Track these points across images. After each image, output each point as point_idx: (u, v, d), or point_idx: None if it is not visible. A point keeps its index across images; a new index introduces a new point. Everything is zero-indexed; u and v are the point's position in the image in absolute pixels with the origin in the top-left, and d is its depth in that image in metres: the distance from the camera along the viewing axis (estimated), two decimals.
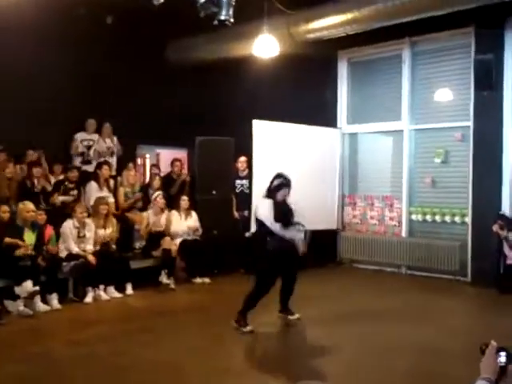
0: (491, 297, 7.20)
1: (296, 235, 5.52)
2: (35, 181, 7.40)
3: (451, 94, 8.59)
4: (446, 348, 5.05)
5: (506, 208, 7.76)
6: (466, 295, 7.73)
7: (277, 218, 5.42)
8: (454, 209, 8.49)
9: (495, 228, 7.42)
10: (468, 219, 8.25)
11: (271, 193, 5.60)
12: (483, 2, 6.70)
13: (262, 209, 5.60)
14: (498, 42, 7.74)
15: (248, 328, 5.50)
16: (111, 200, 7.84)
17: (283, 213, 5.51)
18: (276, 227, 5.43)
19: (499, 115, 7.83)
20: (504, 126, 7.82)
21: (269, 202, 5.53)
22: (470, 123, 8.16)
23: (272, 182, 5.65)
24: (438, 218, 8.66)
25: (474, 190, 8.10)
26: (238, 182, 8.84)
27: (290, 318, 5.97)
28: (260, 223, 5.61)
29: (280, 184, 5.58)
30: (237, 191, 8.82)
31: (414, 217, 8.96)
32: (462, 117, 8.33)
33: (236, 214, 8.74)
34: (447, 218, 8.55)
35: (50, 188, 7.56)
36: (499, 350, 2.07)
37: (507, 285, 7.29)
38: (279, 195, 5.56)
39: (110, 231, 7.31)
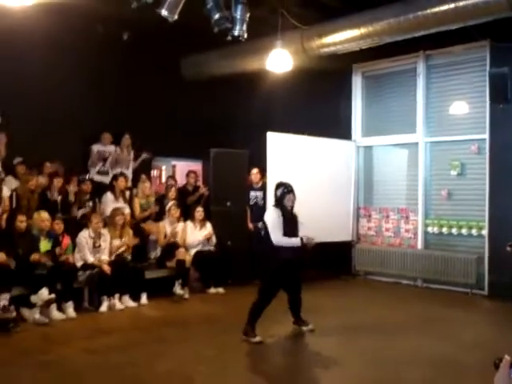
0: (508, 310, 7.12)
1: (294, 242, 5.60)
2: (55, 192, 7.55)
3: (466, 107, 8.57)
4: (460, 361, 5.02)
5: None
6: (483, 308, 7.66)
7: (283, 228, 5.57)
8: (470, 221, 8.43)
9: (509, 250, 7.34)
10: (485, 232, 8.18)
11: (280, 203, 5.74)
12: (497, 16, 6.69)
13: (269, 216, 5.74)
14: None
15: (257, 338, 5.55)
16: (127, 211, 7.96)
17: (289, 223, 5.64)
18: (279, 239, 5.54)
19: None
20: None
21: (276, 212, 5.66)
22: (486, 136, 8.14)
23: (275, 193, 5.82)
24: (454, 230, 8.61)
25: (491, 202, 8.05)
26: (252, 193, 8.92)
27: (304, 328, 6.00)
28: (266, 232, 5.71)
29: (283, 193, 5.74)
30: (251, 203, 8.89)
31: (429, 229, 8.91)
32: (478, 129, 8.31)
33: (250, 226, 8.80)
34: (464, 231, 8.50)
35: (71, 198, 7.70)
36: None
37: None
38: (286, 202, 5.71)
39: (126, 241, 7.40)
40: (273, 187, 8.29)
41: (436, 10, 6.83)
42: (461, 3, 6.58)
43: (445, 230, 8.72)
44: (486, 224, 8.14)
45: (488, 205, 8.10)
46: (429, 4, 6.89)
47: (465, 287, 8.28)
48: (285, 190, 5.75)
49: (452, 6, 6.66)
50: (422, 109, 8.96)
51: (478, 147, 8.35)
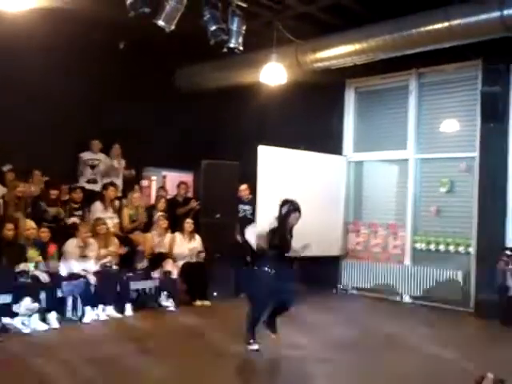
0: (493, 328, 7.14)
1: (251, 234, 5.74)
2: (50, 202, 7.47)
3: (457, 125, 8.63)
4: (445, 379, 5.00)
5: (510, 238, 7.74)
6: (468, 326, 7.65)
7: (271, 243, 5.56)
8: (458, 238, 8.46)
9: (501, 265, 7.38)
10: (472, 249, 8.21)
11: (283, 221, 5.61)
12: (491, 36, 6.77)
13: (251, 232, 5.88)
14: (505, 75, 7.80)
15: (254, 346, 5.54)
16: (116, 221, 7.88)
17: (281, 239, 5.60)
18: (248, 234, 5.69)
19: (505, 147, 7.87)
20: (509, 158, 7.85)
21: (271, 223, 5.64)
22: (476, 154, 8.19)
23: (280, 210, 5.65)
24: (442, 247, 8.62)
25: (479, 220, 8.08)
26: (241, 206, 8.89)
27: (271, 335, 5.87)
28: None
29: (288, 211, 5.61)
30: (240, 215, 8.85)
31: (417, 245, 8.92)
32: (468, 148, 8.36)
33: (239, 238, 8.75)
34: (451, 248, 8.51)
35: (61, 208, 7.62)
36: (496, 382, 2.06)
37: (510, 317, 7.23)
38: (292, 220, 5.60)
39: (111, 251, 7.32)
40: (262, 200, 8.38)
41: (430, 28, 6.91)
42: (454, 22, 6.66)
43: (432, 246, 8.74)
44: (474, 242, 8.17)
45: (476, 223, 8.13)
46: (423, 22, 6.97)
47: (451, 304, 8.28)
48: (291, 207, 5.62)
49: (446, 24, 6.74)
50: (413, 126, 9.00)
51: (467, 165, 8.40)
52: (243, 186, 8.92)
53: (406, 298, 8.88)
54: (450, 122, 8.68)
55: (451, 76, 8.66)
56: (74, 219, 7.61)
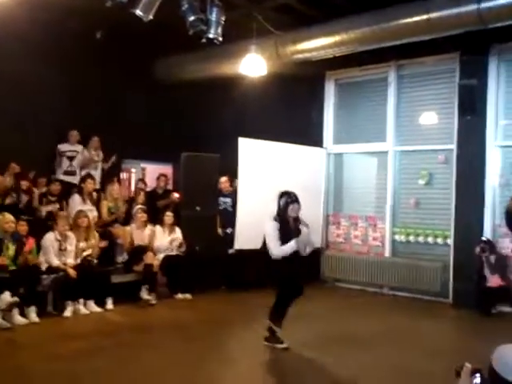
0: (471, 319, 7.25)
1: (294, 245, 5.38)
2: (21, 193, 7.36)
3: (436, 118, 8.71)
4: (424, 370, 5.04)
5: (487, 230, 7.84)
6: (447, 317, 7.75)
7: (282, 240, 5.38)
8: (436, 230, 8.56)
9: (477, 251, 7.51)
10: (450, 241, 8.31)
11: (282, 213, 5.51)
12: (468, 28, 6.83)
13: (266, 230, 5.49)
14: (482, 67, 7.89)
15: (283, 345, 5.46)
16: (94, 214, 7.80)
17: (288, 234, 5.42)
18: (277, 251, 5.36)
19: (482, 139, 7.95)
20: (487, 150, 7.94)
21: (274, 226, 5.44)
22: (454, 146, 8.27)
23: (279, 203, 5.56)
24: (420, 238, 8.72)
25: (457, 212, 8.18)
26: (221, 199, 8.87)
27: (278, 346, 5.62)
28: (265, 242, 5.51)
29: (286, 202, 5.51)
30: (220, 208, 8.83)
31: (397, 237, 9.01)
32: (446, 140, 8.45)
33: (220, 231, 8.74)
34: (430, 239, 8.61)
35: (35, 202, 7.51)
36: (474, 371, 2.09)
37: (487, 307, 7.36)
38: (290, 212, 5.49)
39: (91, 244, 7.25)
40: (243, 192, 8.38)
41: (409, 20, 6.94)
42: (433, 15, 6.70)
43: (411, 238, 8.83)
44: (452, 233, 8.27)
45: (454, 214, 8.23)
46: (402, 14, 7.00)
47: (430, 295, 8.39)
48: (289, 199, 5.51)
49: (425, 17, 6.77)
50: (392, 118, 9.06)
51: (446, 157, 8.49)
52: (223, 179, 8.90)
53: (386, 290, 8.96)
54: (429, 115, 8.77)
55: (430, 68, 8.73)
56: (48, 207, 7.48)
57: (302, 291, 5.60)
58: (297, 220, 5.55)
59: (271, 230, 5.42)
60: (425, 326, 6.94)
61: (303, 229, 5.51)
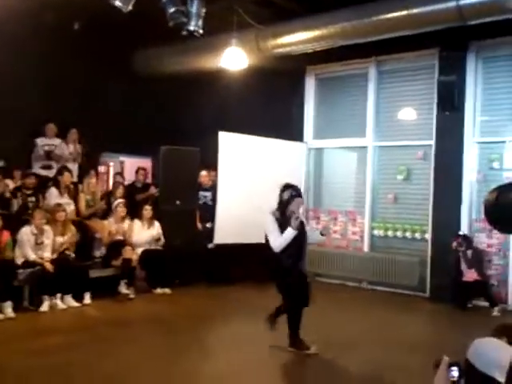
0: (448, 313, 7.34)
1: (289, 234, 5.14)
2: None
3: (415, 113, 8.78)
4: (402, 364, 5.09)
5: (464, 226, 7.93)
6: (424, 311, 7.84)
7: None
8: (414, 225, 8.63)
9: (454, 245, 7.60)
10: (428, 236, 8.39)
11: (284, 207, 5.27)
12: (447, 25, 6.88)
13: (266, 225, 5.27)
14: (461, 64, 7.96)
15: (312, 350, 5.23)
16: (72, 207, 7.70)
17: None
18: (277, 242, 5.15)
19: (460, 135, 8.03)
20: (465, 146, 8.02)
21: (271, 216, 5.25)
22: (432, 142, 8.34)
23: (281, 196, 5.32)
24: (399, 233, 8.79)
25: (435, 207, 8.26)
26: (201, 193, 8.82)
27: (272, 329, 5.58)
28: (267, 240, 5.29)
29: (290, 196, 5.26)
30: (200, 203, 8.78)
31: (376, 232, 9.07)
32: (425, 135, 8.51)
33: (199, 226, 8.70)
34: (408, 234, 8.69)
35: (7, 194, 7.39)
36: (451, 364, 2.11)
37: (463, 301, 7.46)
38: (293, 207, 5.24)
39: (68, 238, 7.15)
40: (223, 187, 8.34)
41: (389, 15, 6.97)
42: (414, 10, 6.75)
43: (390, 233, 8.90)
44: (430, 228, 8.35)
45: (431, 209, 8.31)
46: (382, 10, 7.03)
47: (408, 289, 8.47)
48: (293, 192, 5.27)
49: (405, 12, 6.81)
50: (371, 113, 9.10)
51: (424, 153, 8.56)
52: (204, 173, 8.86)
53: (365, 284, 9.02)
54: (408, 110, 8.83)
55: (409, 64, 8.79)
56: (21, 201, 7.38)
57: (308, 302, 5.35)
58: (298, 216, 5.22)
59: (270, 223, 5.22)
60: (402, 320, 7.01)
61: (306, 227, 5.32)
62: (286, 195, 5.28)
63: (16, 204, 7.37)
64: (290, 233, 5.13)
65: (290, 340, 5.30)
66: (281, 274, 5.30)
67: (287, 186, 5.36)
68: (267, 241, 5.27)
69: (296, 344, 5.28)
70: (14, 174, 7.78)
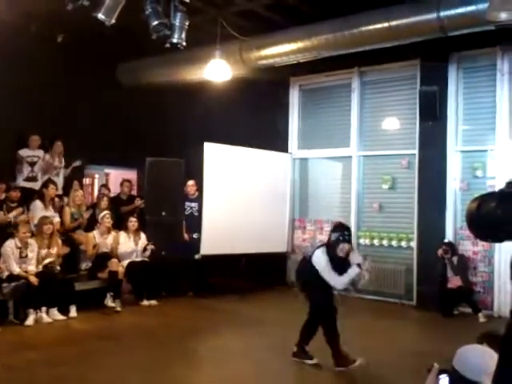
0: (434, 320, 7.38)
1: (353, 273, 5.09)
2: None
3: (398, 123, 8.87)
4: (389, 372, 5.11)
5: (449, 233, 8.01)
6: (411, 319, 7.87)
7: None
8: (400, 233, 8.69)
9: (440, 252, 7.67)
10: (413, 244, 8.45)
11: (330, 247, 5.16)
12: (428, 36, 6.98)
13: (318, 263, 5.16)
14: (442, 74, 8.09)
15: (357, 362, 5.04)
16: (57, 220, 7.65)
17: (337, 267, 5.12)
18: (339, 283, 5.11)
19: (443, 144, 8.13)
20: (448, 155, 8.12)
21: (325, 258, 5.12)
22: (416, 151, 8.43)
23: (330, 235, 5.25)
24: (385, 242, 8.84)
25: (420, 215, 8.33)
26: (187, 204, 8.81)
27: (308, 362, 5.31)
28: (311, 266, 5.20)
29: (337, 239, 5.12)
30: (186, 213, 8.77)
31: (361, 241, 9.11)
32: (408, 145, 8.61)
33: (186, 236, 8.68)
34: (394, 243, 8.74)
35: None
36: (441, 372, 2.13)
37: (449, 308, 7.51)
38: (339, 251, 5.10)
39: (54, 252, 7.10)
40: (208, 198, 8.34)
41: (371, 27, 7.07)
42: (394, 23, 6.84)
43: (376, 241, 8.95)
44: (415, 236, 8.41)
45: (416, 218, 8.38)
46: (364, 22, 7.12)
47: (395, 298, 8.50)
48: (340, 237, 5.10)
49: (386, 24, 6.91)
50: (355, 123, 9.18)
51: (408, 162, 8.65)
52: (190, 182, 8.83)
53: (352, 293, 9.03)
54: (392, 120, 8.92)
55: (392, 75, 8.90)
56: (13, 214, 7.32)
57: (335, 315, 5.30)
58: (345, 259, 5.14)
59: (323, 263, 5.10)
60: (389, 328, 7.03)
61: (353, 267, 5.11)
62: (334, 237, 5.16)
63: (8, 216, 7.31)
64: (355, 272, 5.06)
65: (335, 359, 5.12)
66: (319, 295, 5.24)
67: (338, 227, 5.27)
68: (303, 265, 5.36)
69: (341, 361, 5.09)
70: None
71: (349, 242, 5.16)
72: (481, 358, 2.15)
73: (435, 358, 2.49)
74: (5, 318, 6.48)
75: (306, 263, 5.33)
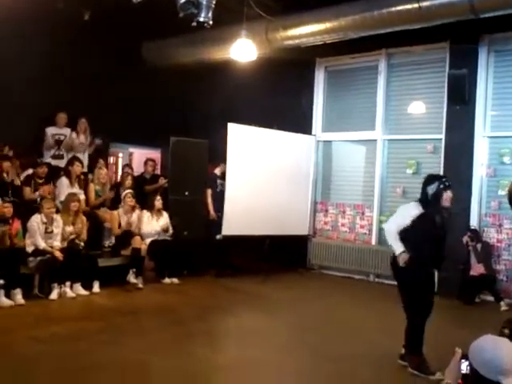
0: (455, 307, 7.30)
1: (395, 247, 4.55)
2: (5, 175, 7.30)
3: (424, 107, 8.73)
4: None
5: (474, 220, 7.90)
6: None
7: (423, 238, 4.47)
8: None
9: (466, 239, 7.57)
10: None
11: (432, 205, 4.51)
12: (459, 18, 6.83)
13: (404, 209, 4.63)
14: (472, 57, 7.90)
15: (436, 376, 4.33)
16: (82, 197, 7.75)
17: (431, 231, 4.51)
18: (392, 229, 4.56)
19: (471, 129, 7.99)
20: (475, 140, 7.98)
21: (416, 210, 4.51)
22: (442, 136, 8.30)
23: (425, 191, 4.55)
24: None
25: None
26: (219, 181, 8.74)
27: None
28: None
29: (439, 189, 4.48)
30: (217, 190, 8.66)
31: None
32: (435, 129, 8.47)
33: (213, 215, 8.61)
34: None
35: (18, 182, 7.45)
36: (464, 356, 2.09)
37: (470, 296, 7.44)
38: (444, 202, 4.49)
39: (78, 228, 7.21)
40: (232, 178, 8.34)
41: (401, 8, 6.95)
42: (425, 3, 6.71)
43: None
44: None
45: None
46: (393, 2, 7.00)
47: None
48: (441, 185, 4.47)
49: (416, 5, 6.77)
50: (381, 106, 9.06)
51: (434, 147, 8.52)
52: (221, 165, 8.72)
53: (372, 277, 9.02)
54: (418, 104, 8.79)
55: (420, 57, 8.74)
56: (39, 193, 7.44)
57: (431, 310, 4.71)
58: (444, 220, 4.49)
59: (407, 213, 4.51)
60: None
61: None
62: (434, 188, 4.50)
63: (28, 193, 7.43)
64: (396, 248, 4.53)
65: (411, 361, 4.57)
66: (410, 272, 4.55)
67: (433, 178, 4.65)
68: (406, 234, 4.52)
69: (420, 366, 4.50)
70: (25, 163, 7.82)
71: (450, 187, 4.50)
72: (493, 353, 1.95)
73: (452, 345, 2.46)
74: (30, 291, 6.60)
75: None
